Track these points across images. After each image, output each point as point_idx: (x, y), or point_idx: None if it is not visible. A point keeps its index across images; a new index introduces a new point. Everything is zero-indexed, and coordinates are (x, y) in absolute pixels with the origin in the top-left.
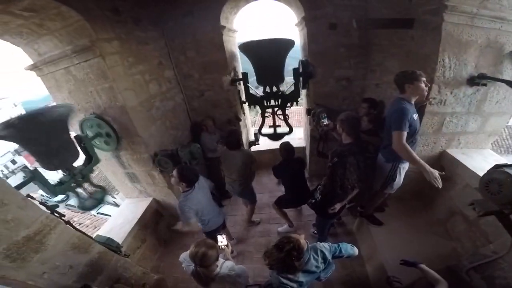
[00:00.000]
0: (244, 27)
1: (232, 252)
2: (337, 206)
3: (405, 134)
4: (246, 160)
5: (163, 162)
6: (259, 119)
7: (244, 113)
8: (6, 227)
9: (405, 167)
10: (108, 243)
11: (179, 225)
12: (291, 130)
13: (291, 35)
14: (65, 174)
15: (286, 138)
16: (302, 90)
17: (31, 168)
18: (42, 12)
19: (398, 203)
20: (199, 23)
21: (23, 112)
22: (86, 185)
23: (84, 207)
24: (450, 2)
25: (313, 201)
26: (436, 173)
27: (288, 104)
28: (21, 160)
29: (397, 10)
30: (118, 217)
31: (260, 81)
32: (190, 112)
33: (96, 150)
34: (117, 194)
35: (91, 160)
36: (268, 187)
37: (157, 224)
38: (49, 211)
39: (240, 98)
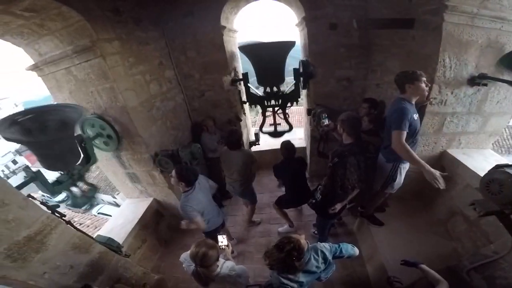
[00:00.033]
0: (245, 27)
1: (232, 252)
2: (338, 206)
3: (404, 133)
4: (246, 160)
5: (163, 162)
6: (259, 119)
7: (244, 113)
8: (7, 227)
9: (405, 167)
10: (109, 243)
11: (184, 224)
12: (291, 128)
13: (292, 35)
14: (62, 173)
15: (286, 138)
16: (303, 90)
17: (34, 169)
18: (42, 13)
19: (399, 203)
20: (199, 23)
21: None
22: (80, 183)
23: (77, 204)
24: (450, 2)
25: (314, 201)
26: (437, 173)
27: (288, 104)
28: (22, 160)
29: (397, 10)
30: (118, 217)
31: (260, 82)
32: (190, 112)
33: (96, 150)
34: (117, 194)
35: (89, 159)
36: (269, 187)
37: (157, 224)
38: (50, 211)
39: (241, 98)
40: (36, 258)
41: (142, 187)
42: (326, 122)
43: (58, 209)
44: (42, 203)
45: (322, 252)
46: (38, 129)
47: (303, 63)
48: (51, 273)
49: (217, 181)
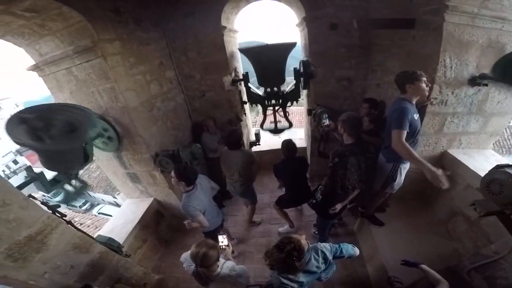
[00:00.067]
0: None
1: (233, 252)
2: (338, 207)
3: (404, 133)
4: (247, 160)
5: (164, 162)
6: (259, 119)
7: (245, 114)
8: (7, 227)
9: (406, 167)
10: (109, 243)
11: (187, 224)
12: (291, 125)
13: (292, 35)
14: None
15: (287, 137)
16: (303, 90)
17: (36, 170)
18: (43, 13)
19: (399, 203)
20: (200, 23)
21: None
22: (74, 181)
23: (68, 200)
24: (451, 2)
25: (314, 201)
26: (439, 171)
27: (289, 103)
28: (23, 160)
29: (397, 10)
30: (119, 217)
31: (261, 83)
32: (191, 112)
33: (96, 150)
34: (118, 194)
35: (87, 159)
36: (269, 188)
37: (158, 224)
38: (51, 211)
39: (241, 98)
40: (36, 258)
41: (143, 187)
42: (327, 122)
43: (58, 209)
44: (42, 203)
45: (323, 252)
46: (44, 129)
47: (303, 63)
48: (52, 273)
49: (218, 181)
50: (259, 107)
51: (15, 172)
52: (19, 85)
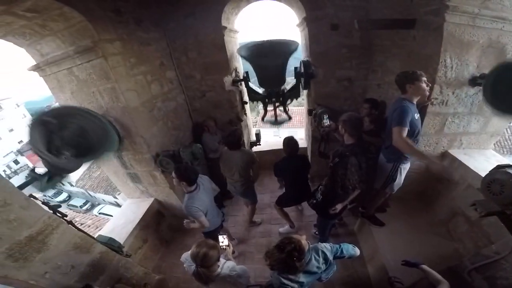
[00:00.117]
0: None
1: (233, 252)
2: (338, 207)
3: (405, 129)
4: (247, 160)
5: (164, 162)
6: (260, 119)
7: (245, 114)
8: (8, 227)
9: (406, 167)
10: (110, 243)
11: (186, 223)
12: (290, 118)
13: (292, 35)
14: None
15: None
16: (304, 90)
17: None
18: (44, 13)
19: (400, 203)
20: (200, 24)
21: (26, 113)
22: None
23: (42, 189)
24: (451, 2)
25: (314, 201)
26: (444, 163)
27: (289, 101)
28: (24, 160)
29: (398, 10)
30: (120, 217)
31: (261, 84)
32: (191, 112)
33: None
34: (118, 194)
35: None
36: (270, 188)
37: (158, 224)
38: (51, 211)
39: (242, 98)
40: (37, 258)
41: (143, 187)
42: (327, 122)
43: (59, 209)
44: (43, 203)
45: (323, 252)
46: (57, 129)
47: (304, 63)
48: (52, 273)
49: (219, 181)
50: (260, 107)
51: (16, 172)
52: (20, 85)
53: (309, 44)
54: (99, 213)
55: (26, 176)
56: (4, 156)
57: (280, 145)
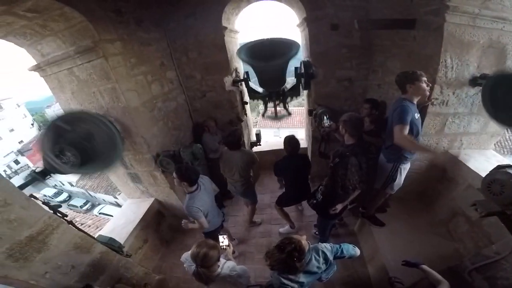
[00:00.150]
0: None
1: (233, 252)
2: (339, 207)
3: (407, 127)
4: (247, 160)
5: (165, 162)
6: (260, 120)
7: (246, 114)
8: (9, 227)
9: (406, 167)
10: (110, 243)
11: (184, 224)
12: (290, 114)
13: (293, 36)
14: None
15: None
16: (304, 90)
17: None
18: (45, 13)
19: (400, 203)
20: (201, 24)
21: (26, 113)
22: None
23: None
24: (451, 2)
25: (315, 201)
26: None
27: (289, 99)
28: (24, 160)
29: (398, 10)
30: (120, 217)
31: (262, 86)
32: (192, 112)
33: None
34: (119, 194)
35: None
36: (270, 188)
37: (159, 224)
38: (52, 211)
39: (242, 98)
40: (37, 258)
41: (144, 187)
42: (328, 123)
43: (59, 209)
44: (44, 203)
45: (323, 252)
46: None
47: (304, 63)
48: (53, 273)
49: (219, 181)
50: (260, 107)
51: (16, 172)
52: (20, 85)
53: (309, 44)
54: (100, 213)
55: (26, 177)
56: (4, 156)
57: (280, 145)
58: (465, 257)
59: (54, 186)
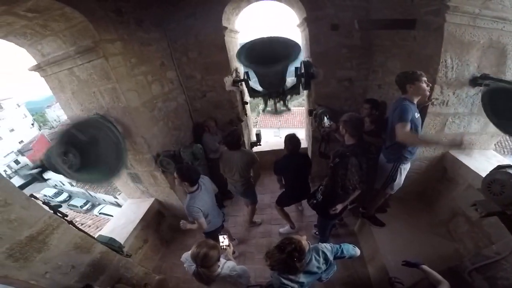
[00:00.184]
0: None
1: (233, 252)
2: (339, 207)
3: (408, 125)
4: (247, 160)
5: (165, 162)
6: (260, 120)
7: (246, 114)
8: (9, 227)
9: (406, 167)
10: (110, 243)
11: (182, 224)
12: (289, 110)
13: (293, 36)
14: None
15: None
16: (304, 90)
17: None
18: (45, 13)
19: (400, 204)
20: (201, 24)
21: (27, 113)
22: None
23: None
24: (451, 2)
25: (315, 201)
26: (457, 138)
27: (288, 96)
28: (24, 160)
29: (398, 10)
30: (120, 217)
31: (262, 86)
32: (192, 113)
33: None
34: (119, 194)
35: None
36: (270, 188)
37: (159, 224)
38: (52, 211)
39: (242, 98)
40: (38, 258)
41: (144, 187)
42: (328, 123)
43: (60, 209)
44: (44, 203)
45: (323, 252)
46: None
47: (304, 63)
48: (53, 273)
49: (219, 181)
50: (260, 107)
51: (16, 172)
52: (20, 85)
53: (310, 44)
54: (100, 213)
55: (21, 170)
56: (4, 156)
57: (280, 146)
58: (465, 257)
59: (55, 186)
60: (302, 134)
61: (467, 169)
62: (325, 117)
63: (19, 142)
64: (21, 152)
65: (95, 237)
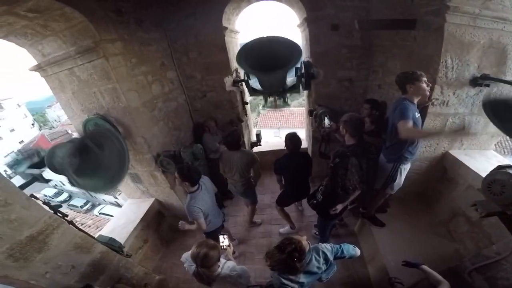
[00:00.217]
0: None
1: (234, 252)
2: (339, 207)
3: (410, 121)
4: (247, 160)
5: (165, 162)
6: (261, 120)
7: (246, 114)
8: (9, 227)
9: (406, 168)
10: (110, 243)
11: (181, 225)
12: (288, 105)
13: (293, 36)
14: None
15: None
16: (304, 91)
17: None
18: (46, 13)
19: (400, 204)
20: (201, 24)
21: (27, 113)
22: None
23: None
24: (452, 2)
25: (315, 201)
26: (460, 128)
27: (288, 94)
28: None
29: (399, 10)
30: (120, 217)
31: (263, 88)
32: (192, 113)
33: None
34: (119, 194)
35: None
36: (270, 188)
37: (159, 224)
38: (52, 211)
39: (242, 99)
40: (38, 258)
41: (144, 187)
42: (328, 123)
43: (60, 209)
44: (44, 203)
45: (324, 252)
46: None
47: (305, 64)
48: (53, 273)
49: (219, 181)
50: (260, 107)
51: (16, 172)
52: (21, 85)
53: (310, 44)
54: (100, 213)
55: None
56: (5, 156)
57: (280, 146)
58: (465, 257)
59: (55, 186)
60: (302, 134)
61: (467, 169)
62: (325, 117)
63: (20, 142)
64: (21, 152)
65: (95, 237)
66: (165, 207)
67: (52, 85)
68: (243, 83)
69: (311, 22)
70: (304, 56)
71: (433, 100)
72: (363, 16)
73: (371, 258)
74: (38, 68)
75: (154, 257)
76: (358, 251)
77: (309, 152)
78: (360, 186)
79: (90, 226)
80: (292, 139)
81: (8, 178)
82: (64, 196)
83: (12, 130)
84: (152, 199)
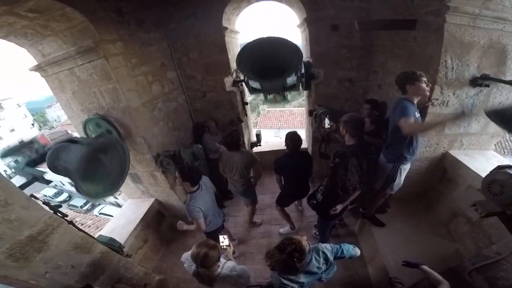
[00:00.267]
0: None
1: (234, 252)
2: (339, 207)
3: (411, 118)
4: (247, 161)
5: (165, 162)
6: (260, 120)
7: (246, 114)
8: (9, 227)
9: (406, 168)
10: (110, 243)
11: (179, 225)
12: (288, 101)
13: (293, 36)
14: None
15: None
16: (304, 91)
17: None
18: (46, 13)
19: (400, 204)
20: (201, 24)
21: (27, 113)
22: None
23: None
24: (452, 3)
25: (315, 201)
26: (460, 115)
27: (287, 92)
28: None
29: (399, 11)
30: (120, 217)
31: (263, 89)
32: (192, 113)
33: None
34: (119, 194)
35: None
36: (270, 188)
37: (159, 224)
38: (52, 211)
39: (242, 99)
40: (38, 258)
41: (144, 187)
42: (328, 123)
43: (60, 209)
44: (44, 203)
45: (324, 253)
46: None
47: (305, 64)
48: (53, 273)
49: (219, 182)
50: (260, 107)
51: (16, 172)
52: (21, 85)
53: (310, 44)
54: (100, 213)
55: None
56: None
57: (280, 146)
58: (466, 257)
59: (55, 186)
60: (302, 135)
61: (467, 169)
62: (325, 118)
63: (19, 142)
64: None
65: (95, 237)
66: (165, 207)
67: (52, 85)
68: (243, 83)
69: (311, 23)
70: (304, 56)
71: (433, 100)
72: (363, 16)
73: (371, 258)
74: (38, 68)
75: (154, 257)
76: (358, 251)
77: (309, 152)
78: (360, 186)
79: (90, 226)
80: (292, 137)
81: (8, 178)
82: (64, 196)
83: (12, 130)
84: (152, 199)
